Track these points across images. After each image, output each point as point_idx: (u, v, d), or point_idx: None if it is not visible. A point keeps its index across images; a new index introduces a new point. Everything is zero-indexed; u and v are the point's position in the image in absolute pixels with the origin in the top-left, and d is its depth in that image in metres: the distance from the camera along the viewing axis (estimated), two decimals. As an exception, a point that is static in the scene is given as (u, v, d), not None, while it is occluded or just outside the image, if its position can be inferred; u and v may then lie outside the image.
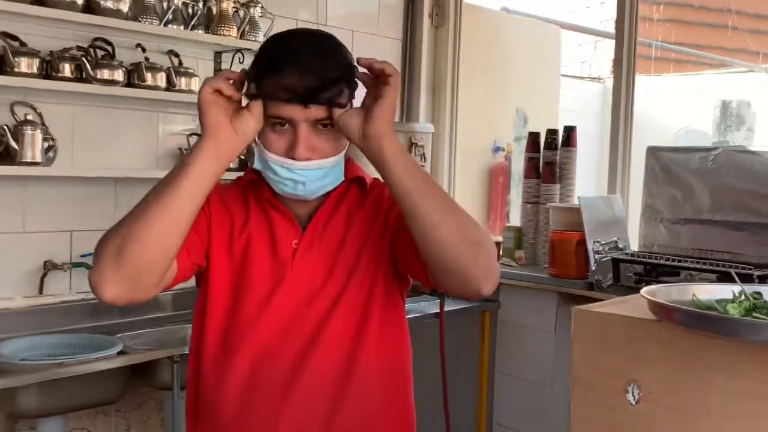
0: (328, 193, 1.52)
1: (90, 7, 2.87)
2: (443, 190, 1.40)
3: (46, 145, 2.75)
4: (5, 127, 2.65)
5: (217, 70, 3.41)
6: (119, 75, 2.93)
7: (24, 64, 2.70)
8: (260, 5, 3.39)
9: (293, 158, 1.39)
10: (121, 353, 2.64)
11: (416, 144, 3.24)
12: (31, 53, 2.73)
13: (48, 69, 2.78)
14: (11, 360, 2.48)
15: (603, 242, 3.26)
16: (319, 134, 1.41)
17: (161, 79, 3.08)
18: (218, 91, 1.36)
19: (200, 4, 3.23)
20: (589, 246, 3.27)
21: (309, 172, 1.42)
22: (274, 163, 1.42)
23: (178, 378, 2.72)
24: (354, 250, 1.52)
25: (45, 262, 2.91)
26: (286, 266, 1.49)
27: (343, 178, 1.50)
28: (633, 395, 0.90)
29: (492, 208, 4.61)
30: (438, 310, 3.37)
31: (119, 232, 1.30)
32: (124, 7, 2.96)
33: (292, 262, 1.50)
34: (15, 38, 2.75)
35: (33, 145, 2.67)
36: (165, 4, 3.12)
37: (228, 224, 1.53)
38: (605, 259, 3.21)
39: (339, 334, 1.47)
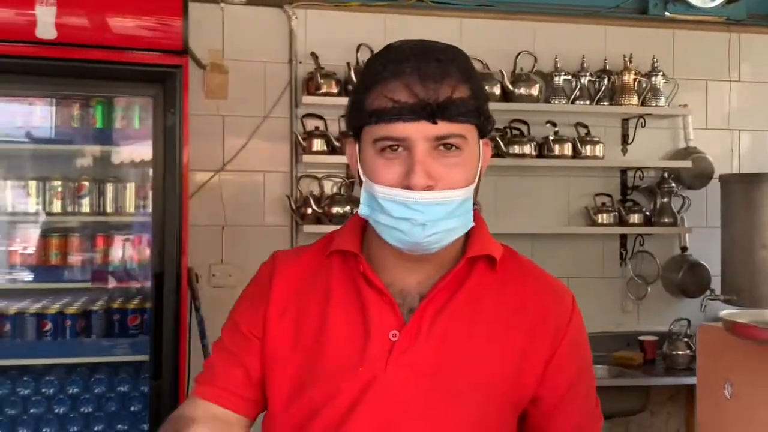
0: (444, 275, 1.16)
1: (507, 96, 3.56)
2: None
3: (471, 209, 3.48)
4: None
5: (624, 135, 3.79)
6: (529, 149, 3.53)
7: (456, 147, 3.49)
8: (661, 73, 3.68)
9: (409, 187, 1.06)
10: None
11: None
12: (461, 138, 3.51)
13: (474, 149, 3.52)
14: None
15: None
16: (443, 158, 1.08)
17: (568, 149, 3.59)
18: None
19: (605, 80, 3.67)
20: None
21: (430, 208, 1.07)
22: (385, 199, 1.08)
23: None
24: (481, 357, 1.13)
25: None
26: (377, 368, 1.11)
27: (473, 224, 1.15)
28: (727, 391, 1.10)
29: None
30: None
31: None
32: (536, 92, 3.58)
33: (386, 363, 1.11)
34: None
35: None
36: (573, 84, 3.64)
37: (295, 314, 1.19)
38: None
39: None
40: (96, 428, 2.90)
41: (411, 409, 1.09)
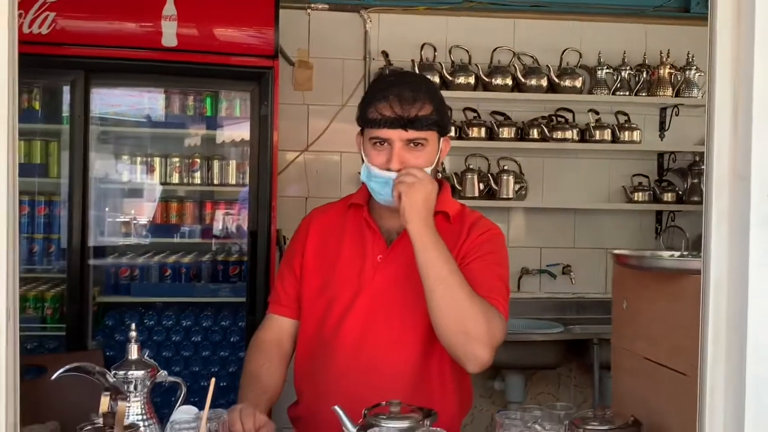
0: None
1: (553, 88, 4.06)
2: (457, 283, 1.62)
3: (518, 186, 4.03)
4: (490, 175, 4.02)
5: (662, 122, 4.24)
6: (571, 134, 4.03)
7: (506, 132, 4.03)
8: (695, 67, 4.10)
9: (389, 169, 1.67)
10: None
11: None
12: (511, 124, 4.05)
13: (522, 134, 4.06)
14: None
15: None
16: (411, 151, 1.69)
17: (607, 135, 4.07)
18: None
19: (643, 74, 4.12)
20: None
21: None
22: (375, 175, 1.70)
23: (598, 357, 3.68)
24: None
25: (522, 268, 4.16)
26: (369, 278, 1.76)
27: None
28: (625, 305, 1.67)
29: None
30: None
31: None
32: (579, 84, 4.07)
33: (374, 274, 1.76)
34: (502, 114, 4.10)
35: (507, 187, 3.98)
36: (614, 77, 4.11)
37: (321, 247, 1.84)
38: None
39: (406, 352, 1.73)
40: (204, 354, 3.63)
41: (390, 302, 1.74)
